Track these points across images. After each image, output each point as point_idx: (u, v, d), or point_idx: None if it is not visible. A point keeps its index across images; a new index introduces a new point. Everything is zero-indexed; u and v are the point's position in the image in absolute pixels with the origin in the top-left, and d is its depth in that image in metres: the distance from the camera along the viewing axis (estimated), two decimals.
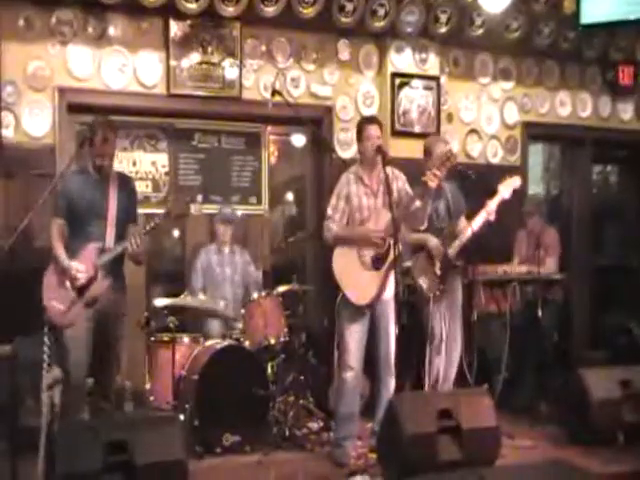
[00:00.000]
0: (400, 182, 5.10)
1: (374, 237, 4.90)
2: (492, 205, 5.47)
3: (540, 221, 6.67)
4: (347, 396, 5.04)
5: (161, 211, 4.97)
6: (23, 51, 5.87)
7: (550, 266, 6.40)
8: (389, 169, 4.96)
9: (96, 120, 4.89)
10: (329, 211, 5.08)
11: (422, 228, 5.22)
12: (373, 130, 5.03)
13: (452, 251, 5.48)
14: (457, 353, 5.60)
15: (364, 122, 5.18)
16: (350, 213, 5.05)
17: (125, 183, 4.93)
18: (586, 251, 7.98)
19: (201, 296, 6.03)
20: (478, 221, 5.46)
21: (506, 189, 5.50)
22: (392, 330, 4.92)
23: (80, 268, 4.59)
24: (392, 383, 4.96)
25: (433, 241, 5.45)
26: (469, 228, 5.48)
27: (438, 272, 5.45)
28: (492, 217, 5.47)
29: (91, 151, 4.76)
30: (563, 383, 5.62)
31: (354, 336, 5.00)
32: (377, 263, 4.94)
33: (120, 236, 4.72)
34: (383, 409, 4.75)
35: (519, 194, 7.20)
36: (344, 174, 5.17)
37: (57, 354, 4.60)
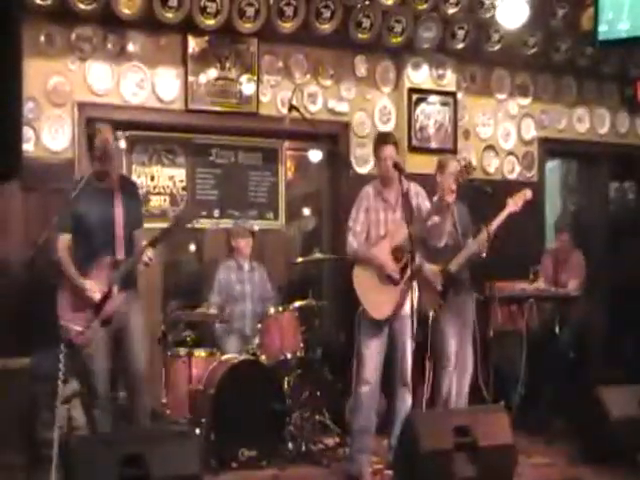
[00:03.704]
0: (420, 198, 5.12)
1: (391, 273, 4.92)
2: (500, 217, 5.48)
3: (569, 240, 6.66)
4: (363, 410, 5.02)
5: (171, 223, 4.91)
6: (44, 67, 5.92)
7: (573, 288, 6.38)
8: (412, 184, 5.03)
9: (94, 128, 4.86)
10: (350, 223, 5.11)
11: (440, 245, 5.22)
12: (388, 151, 5.03)
13: (453, 266, 5.47)
14: (469, 370, 5.58)
15: (379, 142, 5.17)
16: (368, 227, 5.08)
17: (128, 187, 4.88)
18: (603, 268, 7.93)
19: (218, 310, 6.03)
20: (482, 237, 5.47)
21: (515, 201, 5.53)
22: (409, 346, 4.92)
23: (95, 289, 4.55)
24: (409, 399, 4.96)
25: (427, 268, 5.43)
26: (472, 240, 5.51)
27: (439, 288, 5.44)
28: (492, 229, 5.46)
29: (91, 157, 4.74)
30: (581, 401, 5.58)
31: (372, 350, 4.99)
32: (395, 279, 4.95)
33: (128, 244, 4.67)
34: (399, 425, 4.75)
35: (536, 210, 7.27)
36: (365, 187, 5.20)
37: (76, 370, 4.63)
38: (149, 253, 4.61)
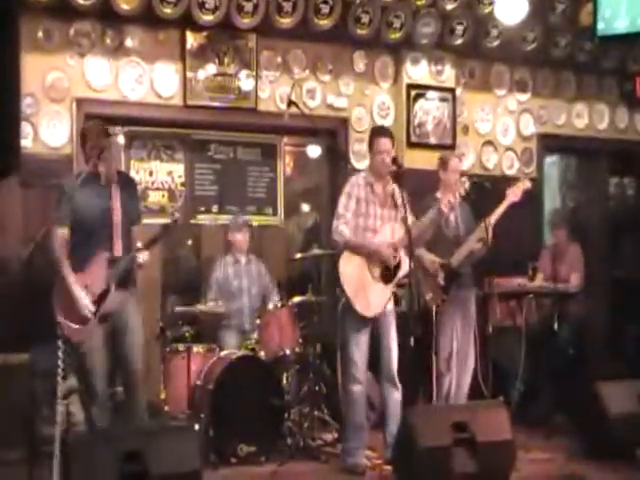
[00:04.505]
0: (405, 200, 5.09)
1: (389, 257, 4.88)
2: (501, 209, 5.47)
3: (566, 235, 6.66)
4: (356, 406, 5.02)
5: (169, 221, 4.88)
6: (42, 62, 5.90)
7: (575, 282, 6.38)
8: (394, 185, 4.98)
9: (86, 126, 4.82)
10: (340, 210, 4.98)
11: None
12: (382, 144, 4.98)
13: (455, 261, 5.47)
14: (470, 365, 5.59)
15: (374, 134, 5.14)
16: (355, 216, 4.98)
17: (126, 183, 4.83)
18: (603, 264, 7.93)
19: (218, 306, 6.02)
20: (482, 229, 5.45)
21: (514, 192, 5.51)
22: (395, 342, 4.94)
23: (90, 308, 4.47)
24: (397, 394, 4.97)
25: (426, 258, 5.43)
26: (473, 235, 5.50)
27: (441, 282, 5.43)
28: (493, 221, 5.45)
29: (85, 155, 4.69)
30: (580, 396, 5.57)
31: (360, 347, 4.96)
32: (386, 277, 4.93)
33: (126, 241, 4.63)
34: (392, 421, 4.78)
35: (535, 206, 7.27)
36: (354, 176, 5.16)
37: (74, 366, 4.61)
38: (145, 256, 4.58)
